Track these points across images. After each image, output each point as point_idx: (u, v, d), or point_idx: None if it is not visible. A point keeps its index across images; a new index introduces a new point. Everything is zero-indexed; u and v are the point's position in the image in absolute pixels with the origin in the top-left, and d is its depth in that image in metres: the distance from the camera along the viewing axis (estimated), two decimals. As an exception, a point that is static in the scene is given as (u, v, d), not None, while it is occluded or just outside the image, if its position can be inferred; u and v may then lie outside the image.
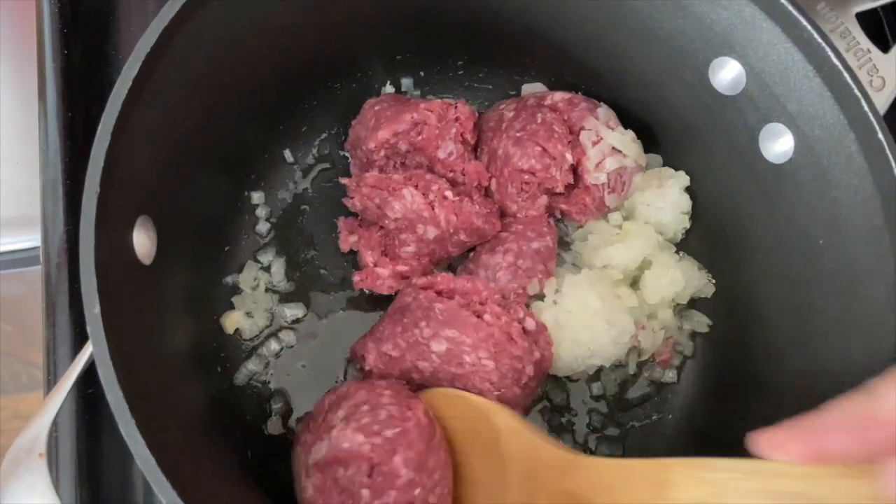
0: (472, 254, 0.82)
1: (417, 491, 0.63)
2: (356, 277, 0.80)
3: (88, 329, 0.51)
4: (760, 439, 0.46)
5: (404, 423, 0.64)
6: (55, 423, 0.74)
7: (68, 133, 0.83)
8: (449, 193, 0.77)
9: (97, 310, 0.51)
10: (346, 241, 0.82)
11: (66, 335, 0.78)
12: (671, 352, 0.83)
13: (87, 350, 0.56)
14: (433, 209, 0.76)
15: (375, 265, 0.80)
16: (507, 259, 0.79)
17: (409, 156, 0.81)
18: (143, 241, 0.59)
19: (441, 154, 0.80)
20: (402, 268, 0.79)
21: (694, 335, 0.84)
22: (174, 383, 0.64)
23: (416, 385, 0.73)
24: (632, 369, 0.83)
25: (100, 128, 0.54)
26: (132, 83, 0.56)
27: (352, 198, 0.79)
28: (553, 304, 0.79)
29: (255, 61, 0.71)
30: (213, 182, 0.76)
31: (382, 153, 0.80)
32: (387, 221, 0.78)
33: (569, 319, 0.78)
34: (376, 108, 0.82)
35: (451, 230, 0.77)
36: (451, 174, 0.81)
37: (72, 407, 0.75)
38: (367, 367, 0.75)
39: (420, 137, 0.79)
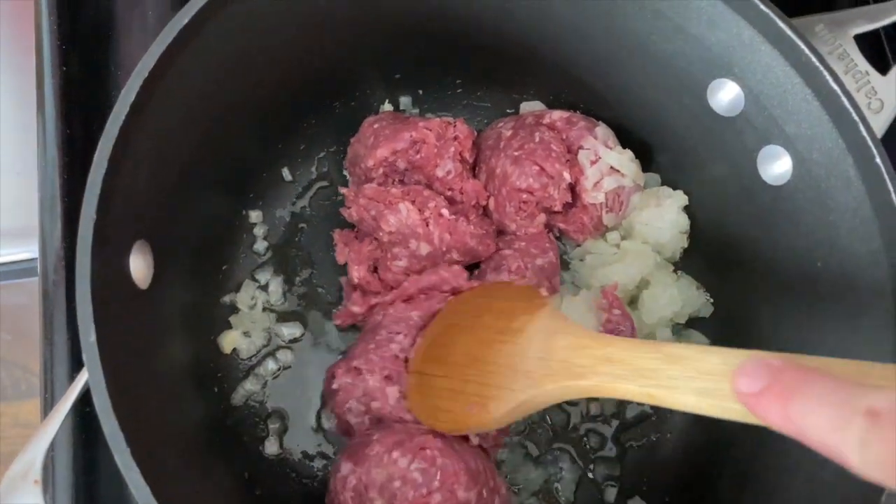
0: (476, 272, 0.82)
1: (485, 493, 0.68)
2: (336, 320, 0.81)
3: (84, 357, 0.51)
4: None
5: (435, 463, 0.66)
6: (52, 444, 0.75)
7: (67, 149, 0.83)
8: (445, 211, 0.77)
9: (93, 338, 0.51)
10: (342, 253, 0.82)
11: (63, 354, 0.78)
12: None
13: (83, 377, 0.56)
14: (428, 225, 0.76)
15: (358, 284, 0.80)
16: (513, 278, 0.79)
17: (407, 174, 0.81)
18: (139, 266, 0.59)
19: (439, 172, 0.80)
20: (375, 300, 0.79)
21: (692, 354, 0.84)
22: (171, 405, 0.64)
23: (375, 417, 0.73)
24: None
25: (97, 154, 0.54)
26: (130, 108, 0.56)
27: (349, 208, 0.79)
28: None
29: (254, 83, 0.71)
30: (211, 202, 0.76)
31: (381, 171, 0.80)
32: (381, 234, 0.78)
33: None
34: (375, 126, 0.81)
35: (444, 248, 0.77)
36: (448, 192, 0.81)
37: (69, 426, 0.75)
38: (334, 387, 0.74)
39: (419, 156, 0.79)
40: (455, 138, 0.80)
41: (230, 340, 0.79)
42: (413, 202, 0.76)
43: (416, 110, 0.89)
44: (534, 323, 0.66)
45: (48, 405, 0.77)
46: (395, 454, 0.66)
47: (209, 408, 0.74)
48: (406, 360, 0.73)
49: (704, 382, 0.48)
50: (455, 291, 0.77)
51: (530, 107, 0.88)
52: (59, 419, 0.56)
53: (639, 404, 0.82)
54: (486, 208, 0.84)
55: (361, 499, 0.66)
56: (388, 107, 0.87)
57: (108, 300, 0.53)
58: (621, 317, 0.77)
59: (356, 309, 0.79)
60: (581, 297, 0.80)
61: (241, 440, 0.76)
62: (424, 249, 0.77)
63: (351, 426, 0.73)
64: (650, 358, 0.54)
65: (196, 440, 0.67)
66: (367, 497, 0.66)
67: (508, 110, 0.89)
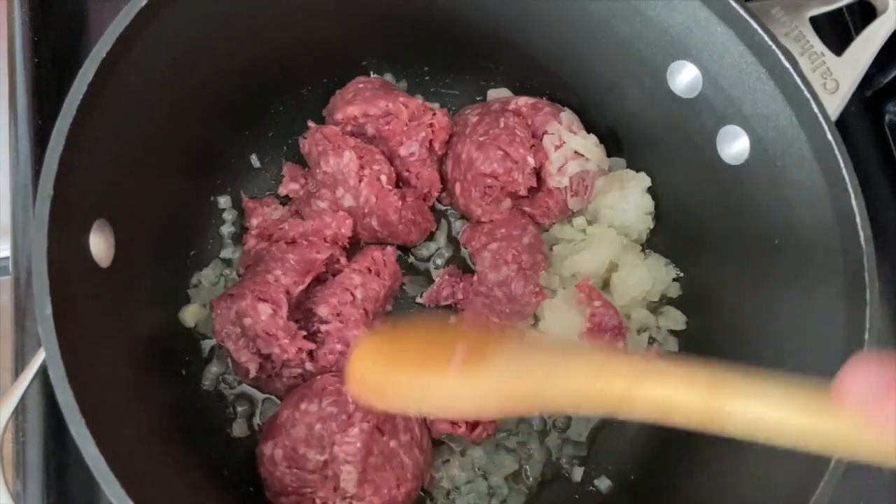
0: (474, 277, 0.82)
1: None
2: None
3: (40, 330, 0.51)
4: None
5: (341, 393, 0.69)
6: (23, 430, 0.75)
7: (39, 140, 0.84)
8: (384, 178, 0.78)
9: (48, 311, 0.51)
10: (286, 186, 0.85)
11: (34, 342, 0.78)
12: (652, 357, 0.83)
13: (43, 353, 0.57)
14: (360, 181, 0.78)
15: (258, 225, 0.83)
16: (513, 267, 0.80)
17: (374, 141, 0.82)
18: (100, 244, 0.60)
19: (403, 151, 0.81)
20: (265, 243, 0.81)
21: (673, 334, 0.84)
22: (133, 384, 0.64)
23: (250, 339, 0.73)
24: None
25: (54, 132, 0.55)
26: (87, 88, 0.57)
27: (304, 139, 0.82)
28: (542, 336, 0.80)
29: (219, 67, 0.72)
30: (177, 186, 0.76)
31: (348, 128, 0.81)
32: (318, 171, 0.80)
33: None
34: (360, 85, 0.83)
35: (366, 209, 0.78)
36: (405, 173, 0.82)
37: (39, 413, 0.75)
38: (213, 316, 0.75)
39: (387, 127, 0.81)
40: (430, 125, 0.81)
41: (192, 313, 0.78)
42: (360, 157, 0.78)
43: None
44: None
45: (18, 392, 0.77)
46: (304, 405, 0.69)
47: (174, 389, 0.74)
48: (287, 293, 0.73)
49: (789, 398, 0.44)
50: (335, 239, 0.78)
51: (497, 93, 0.89)
52: (18, 395, 0.57)
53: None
54: (452, 197, 0.85)
55: (296, 462, 0.68)
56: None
57: (67, 276, 0.54)
58: (604, 307, 0.78)
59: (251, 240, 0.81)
60: (559, 297, 0.81)
61: (208, 422, 0.77)
62: (347, 201, 0.78)
63: (239, 364, 0.74)
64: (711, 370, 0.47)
65: (160, 420, 0.67)
66: (300, 455, 0.67)
67: (477, 97, 0.90)
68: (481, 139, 0.80)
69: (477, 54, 0.86)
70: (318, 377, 0.72)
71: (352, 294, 0.76)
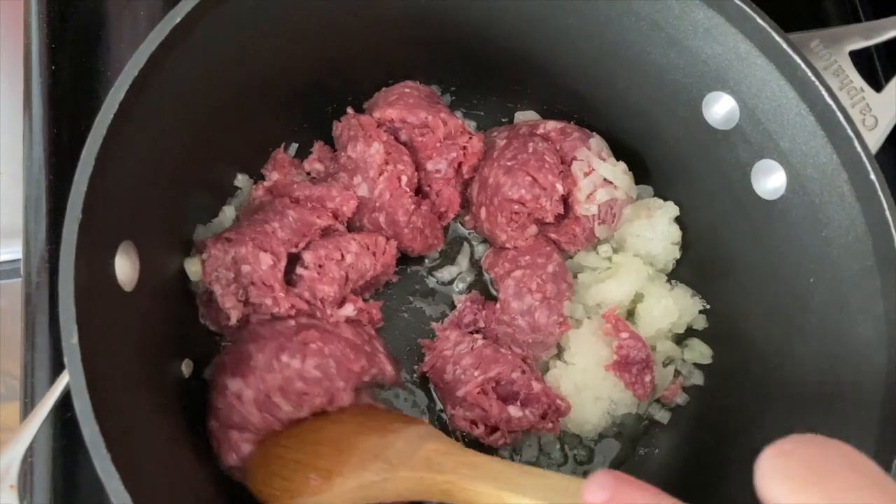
0: (497, 304, 0.80)
1: (368, 348, 0.73)
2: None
3: (65, 359, 0.49)
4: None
5: (324, 353, 0.69)
6: (31, 449, 0.73)
7: (53, 149, 0.82)
8: (404, 179, 0.77)
9: (75, 340, 0.49)
10: (311, 164, 0.83)
11: (44, 357, 0.76)
12: (677, 389, 0.82)
13: (64, 380, 0.55)
14: (380, 175, 0.76)
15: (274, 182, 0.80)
16: (537, 297, 0.78)
17: (405, 148, 0.81)
18: (125, 268, 0.58)
19: (430, 166, 0.80)
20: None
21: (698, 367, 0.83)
22: (156, 414, 0.62)
23: (242, 287, 0.71)
24: (642, 409, 0.82)
25: (84, 152, 0.53)
26: (118, 107, 0.55)
27: (339, 122, 0.81)
28: (567, 367, 0.79)
29: (244, 85, 0.71)
30: (202, 205, 0.75)
31: (384, 129, 0.80)
32: (342, 155, 0.79)
33: (586, 378, 0.78)
34: (406, 90, 0.82)
35: (376, 204, 0.77)
36: (427, 188, 0.81)
37: (49, 432, 0.73)
38: (203, 256, 0.72)
39: (421, 139, 0.79)
40: (463, 148, 0.80)
41: (197, 266, 0.73)
42: (388, 153, 0.76)
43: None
44: (408, 427, 0.67)
45: (28, 410, 0.75)
46: (284, 357, 0.67)
47: (195, 415, 0.72)
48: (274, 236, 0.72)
49: (549, 492, 0.54)
50: (336, 214, 0.76)
51: (524, 116, 0.87)
52: (38, 423, 0.55)
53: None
54: (477, 221, 0.83)
55: (268, 408, 0.66)
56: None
57: (92, 302, 0.52)
58: (632, 339, 0.77)
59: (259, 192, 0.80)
60: (585, 327, 0.80)
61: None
62: (362, 191, 0.77)
63: (222, 308, 0.71)
64: (507, 466, 0.59)
65: (180, 451, 0.65)
66: (273, 403, 0.66)
67: (503, 119, 0.89)
68: (509, 164, 0.79)
69: (505, 76, 0.84)
70: (298, 329, 0.69)
71: (342, 255, 0.75)
